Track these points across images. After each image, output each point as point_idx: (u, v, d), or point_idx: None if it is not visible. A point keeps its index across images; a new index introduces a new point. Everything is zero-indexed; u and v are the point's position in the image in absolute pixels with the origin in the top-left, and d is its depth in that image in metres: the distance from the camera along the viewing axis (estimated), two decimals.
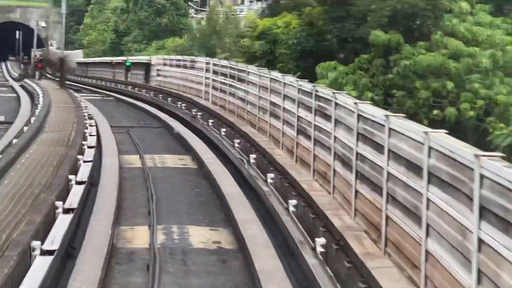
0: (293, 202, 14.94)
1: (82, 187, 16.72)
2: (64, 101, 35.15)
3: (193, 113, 32.72)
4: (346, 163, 13.95)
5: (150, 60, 48.49)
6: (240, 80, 27.49)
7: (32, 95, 42.47)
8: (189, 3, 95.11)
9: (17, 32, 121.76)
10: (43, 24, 58.21)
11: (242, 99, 26.77)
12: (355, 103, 13.32)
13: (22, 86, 55.97)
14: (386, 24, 28.46)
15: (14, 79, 74.21)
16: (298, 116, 18.52)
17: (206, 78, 34.38)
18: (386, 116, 11.38)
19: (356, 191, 13.05)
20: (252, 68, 26.11)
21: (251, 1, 66.94)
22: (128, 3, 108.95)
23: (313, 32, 30.79)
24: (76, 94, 47.29)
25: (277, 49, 31.85)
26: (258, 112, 24.06)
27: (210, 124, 28.71)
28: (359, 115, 12.97)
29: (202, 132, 28.75)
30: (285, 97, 20.31)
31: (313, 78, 29.55)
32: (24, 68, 74.04)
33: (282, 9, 35.15)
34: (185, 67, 39.26)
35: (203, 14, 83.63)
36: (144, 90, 46.96)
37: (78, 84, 70.07)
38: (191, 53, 57.30)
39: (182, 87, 39.78)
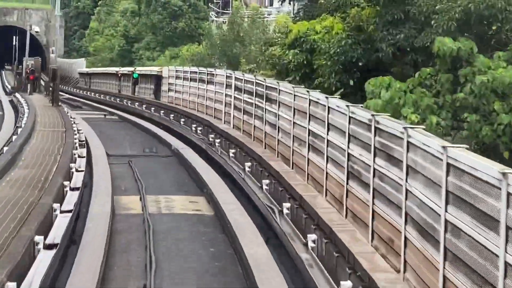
0: (347, 284, 11.64)
1: (51, 253, 13.51)
2: (52, 124, 32.14)
3: (210, 139, 29.62)
4: (425, 232, 10.66)
5: (161, 71, 45.48)
6: (269, 100, 24.25)
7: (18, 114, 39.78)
8: (210, 4, 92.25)
9: (14, 38, 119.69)
10: (36, 28, 55.32)
11: (272, 125, 23.50)
12: (444, 147, 10.00)
13: (11, 102, 53.28)
14: (455, 30, 25.05)
15: (7, 92, 71.53)
16: (349, 154, 15.20)
17: (227, 95, 31.27)
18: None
19: (444, 278, 9.80)
20: (284, 85, 22.86)
21: (281, 2, 63.87)
22: (139, 5, 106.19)
23: (361, 39, 27.43)
24: (72, 113, 44.34)
25: (315, 60, 28.57)
26: (292, 143, 20.74)
27: (231, 154, 25.54)
28: (451, 166, 9.67)
29: (221, 165, 25.65)
30: (331, 126, 16.99)
31: (360, 97, 26.32)
32: (18, 80, 71.07)
33: (321, 11, 31.87)
34: (201, 81, 36.20)
35: (226, 17, 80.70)
36: (153, 108, 43.96)
37: (79, 99, 67.39)
38: (210, 63, 54.34)
39: (198, 106, 36.71)
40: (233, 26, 52.66)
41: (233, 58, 52.31)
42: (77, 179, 20.62)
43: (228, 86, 31.20)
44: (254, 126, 26.24)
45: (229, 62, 52.86)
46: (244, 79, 28.31)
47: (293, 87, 21.83)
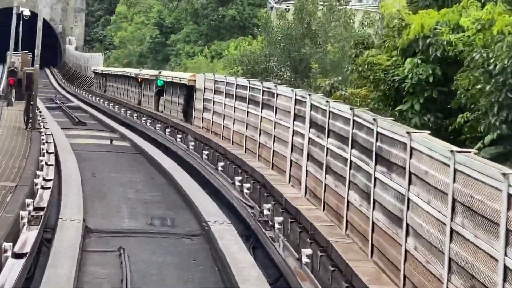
0: None
1: None
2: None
3: (265, 211, 19.69)
4: None
5: (194, 80, 35.59)
6: (383, 158, 14.39)
7: None
8: None
9: (20, 23, 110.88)
10: (26, 12, 46.20)
11: (390, 211, 13.71)
12: None
13: None
14: None
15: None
16: None
17: (297, 134, 21.30)
18: None
19: None
20: (426, 139, 12.72)
21: None
22: None
23: None
24: (61, 139, 34.76)
25: (460, 79, 18.51)
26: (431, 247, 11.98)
27: (304, 260, 15.59)
28: None
29: (285, 275, 15.84)
30: None
31: None
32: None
33: None
34: (254, 102, 26.28)
35: (289, 3, 70.70)
36: (179, 136, 34.19)
37: (87, 108, 58.01)
38: (266, 68, 44.41)
39: (247, 142, 26.74)
40: (301, 16, 42.56)
41: (301, 61, 42.34)
42: None
43: (298, 117, 21.25)
44: (352, 203, 16.28)
45: (294, 67, 42.89)
46: (330, 111, 18.21)
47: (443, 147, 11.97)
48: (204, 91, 33.66)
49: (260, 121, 25.35)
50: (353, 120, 16.33)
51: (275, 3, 75.19)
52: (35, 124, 31.78)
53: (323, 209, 18.25)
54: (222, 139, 30.08)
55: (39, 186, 21.51)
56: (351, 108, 16.67)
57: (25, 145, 27.49)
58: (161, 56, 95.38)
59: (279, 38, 43.36)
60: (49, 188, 21.74)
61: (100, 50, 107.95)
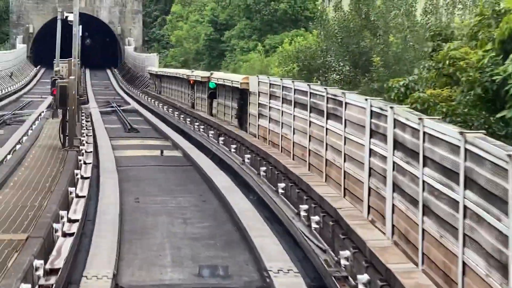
0: None
1: None
2: (11, 213, 17.14)
3: (343, 262, 14.16)
4: None
5: (247, 83, 29.94)
6: None
7: None
8: None
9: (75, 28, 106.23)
10: (70, 17, 41.13)
11: None
12: None
13: None
14: None
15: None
16: None
17: (375, 154, 15.66)
18: None
19: None
20: None
21: None
22: None
23: None
24: (105, 154, 29.46)
25: None
26: None
27: None
28: None
29: None
30: None
31: None
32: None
33: None
34: (317, 111, 20.58)
35: None
36: (234, 146, 28.67)
37: (143, 111, 52.85)
38: (324, 63, 38.65)
39: (311, 157, 21.05)
40: (359, 7, 36.71)
41: (360, 55, 36.49)
42: None
43: (378, 134, 15.58)
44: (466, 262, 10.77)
45: (353, 61, 37.00)
46: (427, 132, 12.55)
47: None
48: (259, 95, 28.03)
49: (326, 134, 19.68)
50: (466, 149, 10.69)
51: None
52: (72, 142, 26.39)
53: (422, 263, 12.62)
54: (281, 151, 24.41)
55: (59, 233, 16.21)
56: (461, 133, 10.98)
57: (54, 173, 22.15)
58: (216, 52, 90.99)
59: (336, 31, 37.41)
60: (72, 234, 16.33)
61: (158, 50, 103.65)
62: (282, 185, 20.59)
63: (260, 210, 20.21)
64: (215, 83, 36.79)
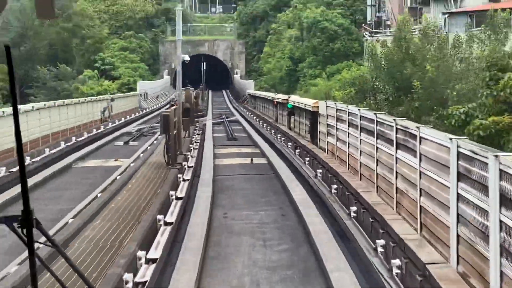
0: None
1: None
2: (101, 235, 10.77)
3: None
4: None
5: (317, 106, 23.11)
6: None
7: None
8: (363, 25, 69.13)
9: (203, 64, 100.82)
10: (186, 57, 35.92)
11: None
12: None
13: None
14: None
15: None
16: None
17: (466, 201, 8.75)
18: None
19: None
20: None
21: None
22: (302, 31, 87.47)
23: None
24: (206, 164, 23.00)
25: None
26: None
27: None
28: None
29: None
30: None
31: None
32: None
33: None
34: (384, 138, 13.74)
35: (379, 36, 57.13)
36: (307, 159, 21.87)
37: (242, 121, 46.32)
38: (373, 87, 31.35)
39: (380, 183, 14.17)
40: (400, 43, 29.28)
41: (402, 81, 29.00)
42: None
43: (469, 180, 8.66)
44: None
45: (397, 86, 29.47)
46: None
47: None
48: (327, 117, 21.14)
49: (396, 163, 12.74)
50: None
51: (369, 36, 61.51)
52: (175, 160, 19.97)
53: None
54: (348, 168, 17.50)
55: (143, 261, 9.78)
56: None
57: (151, 195, 15.68)
58: (293, 78, 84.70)
59: (382, 63, 30.03)
60: (155, 261, 9.89)
61: (255, 77, 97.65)
62: (354, 208, 13.72)
63: (333, 231, 13.41)
64: (292, 105, 29.95)
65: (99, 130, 35.88)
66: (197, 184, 19.27)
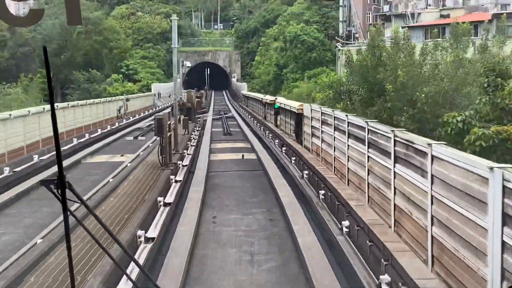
0: None
1: None
2: None
3: None
4: None
5: (301, 109, 19.19)
6: None
7: None
8: (336, 37, 65.02)
9: (207, 69, 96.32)
10: (188, 64, 31.64)
11: None
12: None
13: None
14: None
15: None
16: None
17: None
18: None
19: None
20: None
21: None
22: (286, 43, 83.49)
23: None
24: (202, 159, 19.10)
25: None
26: None
27: None
28: None
29: None
30: None
31: None
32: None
33: None
34: (376, 147, 9.92)
35: (350, 47, 52.98)
36: (293, 158, 17.93)
37: (237, 118, 42.32)
38: (349, 89, 27.36)
39: (372, 193, 10.33)
40: (373, 51, 25.23)
41: (375, 84, 24.99)
42: None
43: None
44: None
45: (370, 88, 25.43)
46: None
47: None
48: (311, 119, 17.23)
49: (394, 177, 8.86)
50: None
51: (341, 47, 57.35)
52: (170, 162, 16.05)
53: None
54: (334, 171, 13.63)
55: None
56: None
57: (139, 200, 11.75)
58: (278, 81, 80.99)
59: (357, 68, 25.95)
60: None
61: (248, 80, 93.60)
62: (346, 223, 9.83)
63: (324, 247, 9.56)
64: (278, 105, 25.95)
65: (114, 126, 31.75)
66: (190, 183, 15.35)
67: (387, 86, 23.15)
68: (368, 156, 10.38)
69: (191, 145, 22.03)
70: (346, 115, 12.12)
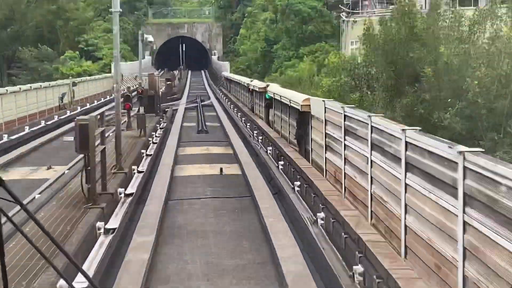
0: None
1: None
2: None
3: None
4: None
5: (308, 105, 14.55)
6: None
7: None
8: (340, 5, 60.21)
9: (182, 45, 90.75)
10: (150, 38, 27.10)
11: None
12: None
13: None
14: None
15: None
16: None
17: None
18: None
19: None
20: None
21: None
22: (276, 14, 78.76)
23: None
24: (159, 182, 14.30)
25: None
26: None
27: None
28: None
29: None
30: None
31: None
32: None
33: None
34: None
35: (356, 17, 48.28)
36: (297, 183, 13.17)
37: (217, 106, 37.60)
38: (366, 73, 22.70)
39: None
40: (404, 20, 20.50)
41: (407, 66, 20.29)
42: None
43: None
44: None
45: (398, 72, 20.68)
46: None
47: None
48: (325, 123, 12.54)
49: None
50: None
51: (346, 17, 52.54)
52: (97, 196, 11.10)
53: None
54: (371, 219, 9.00)
55: None
56: None
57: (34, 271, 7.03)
58: (268, 59, 76.44)
59: (380, 44, 21.17)
60: None
61: (232, 58, 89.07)
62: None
63: None
64: (271, 96, 21.22)
65: (51, 122, 26.77)
66: (134, 228, 10.60)
67: (424, 69, 18.55)
68: (450, 209, 5.73)
69: (146, 155, 17.17)
70: (403, 130, 7.43)
